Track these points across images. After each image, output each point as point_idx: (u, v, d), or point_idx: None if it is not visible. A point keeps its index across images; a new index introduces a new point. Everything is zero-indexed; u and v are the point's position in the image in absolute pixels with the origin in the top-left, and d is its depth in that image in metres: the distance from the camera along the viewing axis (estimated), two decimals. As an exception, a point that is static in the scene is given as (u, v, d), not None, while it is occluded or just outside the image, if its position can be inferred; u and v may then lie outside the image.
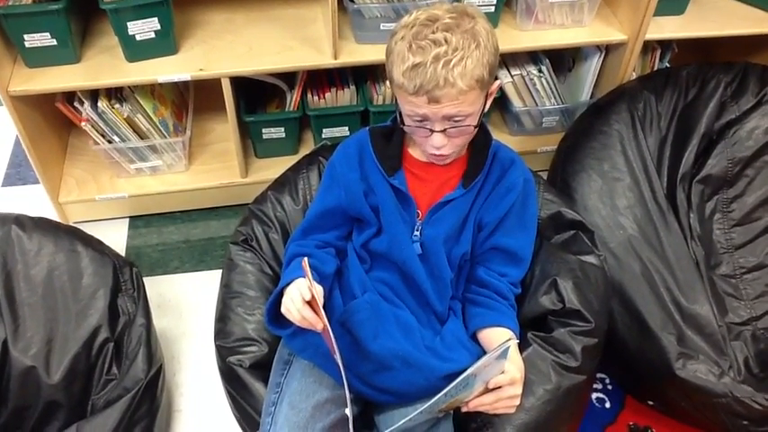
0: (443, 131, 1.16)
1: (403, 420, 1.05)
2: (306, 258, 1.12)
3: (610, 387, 1.71)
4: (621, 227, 1.61)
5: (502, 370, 1.11)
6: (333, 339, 1.07)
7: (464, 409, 1.14)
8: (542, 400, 1.27)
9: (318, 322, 1.11)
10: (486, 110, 1.22)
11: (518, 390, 1.15)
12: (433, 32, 1.10)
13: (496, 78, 1.21)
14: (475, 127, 1.18)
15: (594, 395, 1.69)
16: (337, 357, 1.07)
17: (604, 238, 1.59)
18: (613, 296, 1.54)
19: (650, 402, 1.65)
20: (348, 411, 1.07)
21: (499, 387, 1.12)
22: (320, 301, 1.11)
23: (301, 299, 1.12)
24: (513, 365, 1.14)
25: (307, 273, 1.09)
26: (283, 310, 1.16)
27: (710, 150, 1.76)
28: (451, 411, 1.26)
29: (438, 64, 1.08)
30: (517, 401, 1.15)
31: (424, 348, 1.23)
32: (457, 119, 1.14)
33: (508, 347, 1.04)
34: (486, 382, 1.11)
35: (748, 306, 1.64)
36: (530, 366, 1.27)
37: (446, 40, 1.09)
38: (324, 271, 1.25)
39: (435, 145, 1.18)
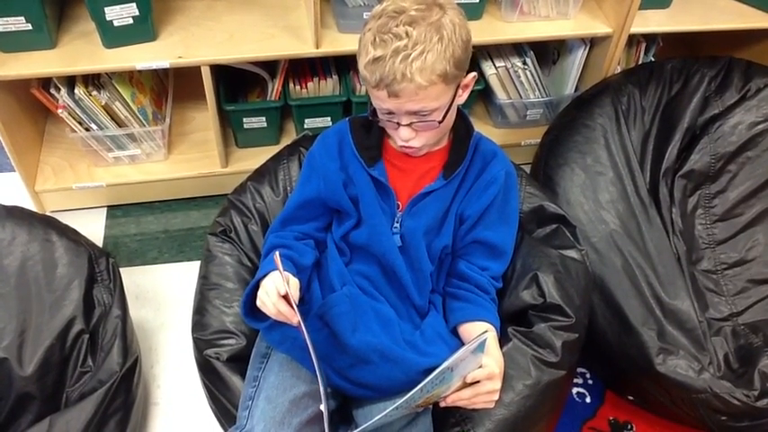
0: (410, 125, 1.14)
1: (379, 416, 1.03)
2: (278, 252, 1.10)
3: (590, 382, 1.71)
4: (604, 221, 1.60)
5: (480, 364, 1.10)
6: (306, 335, 1.06)
7: (442, 404, 1.13)
8: (522, 395, 1.26)
9: (294, 316, 1.10)
10: (462, 102, 1.20)
11: (497, 384, 1.13)
12: (397, 26, 1.08)
13: (472, 71, 1.19)
14: (439, 122, 1.15)
15: (575, 390, 1.69)
16: (312, 353, 1.05)
17: (586, 232, 1.59)
18: (594, 291, 1.53)
19: (630, 397, 1.65)
20: (323, 407, 1.06)
21: (477, 382, 1.11)
22: (295, 295, 1.10)
23: (276, 293, 1.10)
24: (492, 360, 1.13)
25: (278, 266, 1.08)
26: (259, 303, 1.14)
27: (694, 145, 1.76)
28: (430, 406, 1.25)
29: (397, 58, 1.06)
30: (496, 396, 1.14)
31: (403, 342, 1.22)
32: (422, 113, 1.13)
33: (485, 340, 1.03)
34: (464, 377, 1.09)
35: (729, 302, 1.64)
36: (509, 361, 1.26)
37: (407, 34, 1.07)
38: (302, 263, 1.24)
39: (402, 138, 1.17)
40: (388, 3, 1.12)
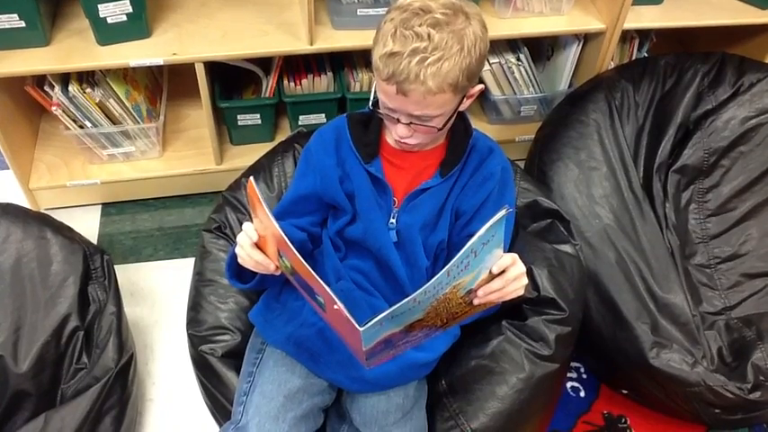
0: (409, 124, 1.14)
1: (404, 300, 0.95)
2: (251, 178, 1.05)
3: (584, 376, 1.71)
4: (597, 216, 1.61)
5: (500, 255, 1.04)
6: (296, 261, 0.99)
7: (476, 302, 1.05)
8: (515, 388, 1.27)
9: (270, 263, 1.09)
10: (463, 109, 1.20)
11: (522, 268, 1.07)
12: (420, 25, 1.06)
13: (480, 82, 1.18)
14: (439, 129, 1.16)
15: (569, 384, 1.69)
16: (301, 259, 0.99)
17: (580, 227, 1.59)
18: (588, 285, 1.54)
19: (624, 391, 1.66)
20: (339, 304, 0.96)
21: (503, 272, 1.04)
22: (269, 214, 1.03)
23: (249, 242, 1.09)
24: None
25: (253, 192, 1.01)
26: (240, 262, 1.13)
27: (687, 140, 1.77)
28: (424, 400, 1.25)
29: (414, 58, 1.05)
30: (525, 280, 1.07)
31: (398, 337, 1.22)
32: (424, 118, 1.12)
33: (503, 218, 0.96)
34: (489, 270, 1.04)
35: (722, 296, 1.65)
36: (503, 355, 1.27)
37: (429, 37, 1.05)
38: (289, 235, 1.22)
39: (399, 135, 1.17)
40: None
